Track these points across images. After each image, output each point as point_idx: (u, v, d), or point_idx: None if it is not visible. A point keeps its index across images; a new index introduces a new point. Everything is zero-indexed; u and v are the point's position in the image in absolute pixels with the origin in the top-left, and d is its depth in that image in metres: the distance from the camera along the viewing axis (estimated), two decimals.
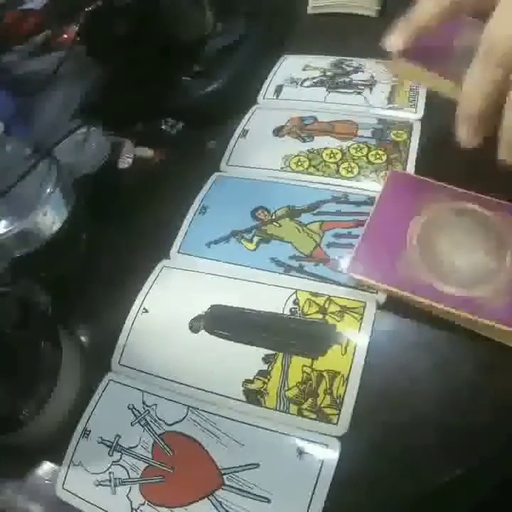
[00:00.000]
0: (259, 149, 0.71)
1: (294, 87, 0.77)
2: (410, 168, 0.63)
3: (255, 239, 0.62)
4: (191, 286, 0.61)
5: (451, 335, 0.52)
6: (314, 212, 0.62)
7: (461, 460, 0.46)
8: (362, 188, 0.63)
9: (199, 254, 0.63)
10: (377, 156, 0.65)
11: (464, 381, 0.49)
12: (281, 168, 0.68)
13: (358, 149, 0.66)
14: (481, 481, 0.48)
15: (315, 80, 0.77)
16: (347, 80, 0.75)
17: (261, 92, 0.78)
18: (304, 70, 0.79)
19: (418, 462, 0.47)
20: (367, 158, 0.65)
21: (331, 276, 0.57)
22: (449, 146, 0.65)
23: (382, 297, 0.55)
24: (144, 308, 0.60)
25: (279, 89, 0.77)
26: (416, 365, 0.51)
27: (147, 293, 0.61)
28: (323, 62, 0.79)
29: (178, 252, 0.64)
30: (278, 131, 0.71)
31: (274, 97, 0.77)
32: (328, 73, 0.77)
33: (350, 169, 0.65)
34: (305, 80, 0.77)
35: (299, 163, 0.67)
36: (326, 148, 0.68)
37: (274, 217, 0.63)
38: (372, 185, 0.63)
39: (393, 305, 0.55)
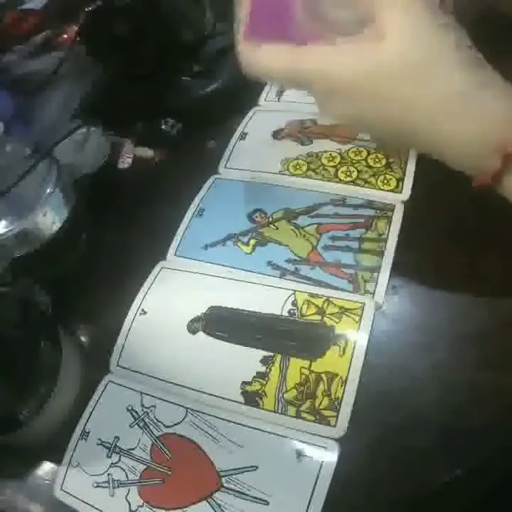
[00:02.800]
0: (258, 152, 0.70)
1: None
2: (410, 171, 0.63)
3: (251, 242, 0.62)
4: (189, 287, 0.61)
5: (450, 335, 0.52)
6: (311, 214, 0.62)
7: (461, 460, 0.46)
8: (360, 192, 0.63)
9: (196, 257, 0.63)
10: (377, 160, 0.65)
11: (464, 381, 0.49)
12: (280, 171, 0.67)
13: (357, 153, 0.66)
14: (481, 481, 0.48)
15: None
16: None
17: (262, 94, 0.77)
18: None
19: (417, 463, 0.47)
20: (366, 161, 0.65)
21: (326, 279, 0.57)
22: None
23: (381, 297, 0.55)
24: (143, 310, 0.60)
25: (280, 91, 0.77)
26: (415, 366, 0.51)
27: (145, 294, 0.61)
28: None
29: (175, 255, 0.64)
30: (277, 134, 0.71)
31: (276, 99, 0.76)
32: None
33: (349, 173, 0.65)
34: None
35: (298, 167, 0.67)
36: (325, 152, 0.67)
37: (271, 219, 0.63)
38: (370, 190, 0.63)
39: (393, 305, 0.55)
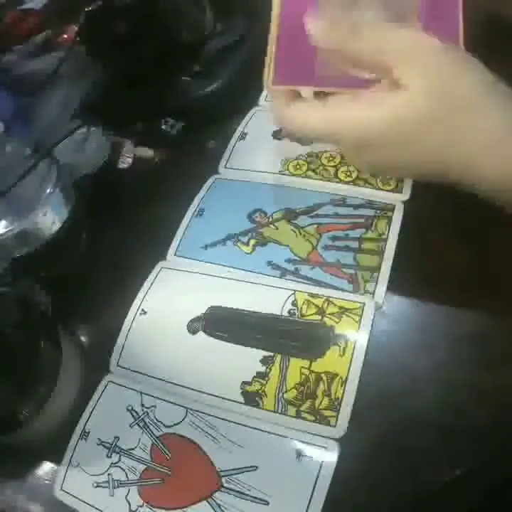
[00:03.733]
0: (258, 152, 0.70)
1: None
2: None
3: (251, 242, 0.62)
4: (189, 287, 0.61)
5: (451, 335, 0.52)
6: (311, 214, 0.62)
7: (461, 460, 0.46)
8: (360, 192, 0.63)
9: (196, 257, 0.63)
10: None
11: (464, 381, 0.49)
12: (280, 171, 0.67)
13: None
14: (480, 481, 0.48)
15: None
16: None
17: (262, 94, 0.77)
18: None
19: (417, 463, 0.47)
20: None
21: (326, 279, 0.57)
22: None
23: (381, 297, 0.55)
24: (142, 310, 0.60)
25: None
26: (415, 366, 0.51)
27: (145, 294, 0.61)
28: None
29: (175, 254, 0.64)
30: (277, 134, 0.71)
31: None
32: None
33: (349, 173, 0.64)
34: None
35: (298, 167, 0.67)
36: (325, 152, 0.67)
37: (271, 219, 0.63)
38: (370, 190, 0.63)
39: (393, 305, 0.55)
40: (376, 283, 0.56)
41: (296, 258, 0.59)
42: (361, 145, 0.48)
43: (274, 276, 0.59)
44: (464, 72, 0.44)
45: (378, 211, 0.60)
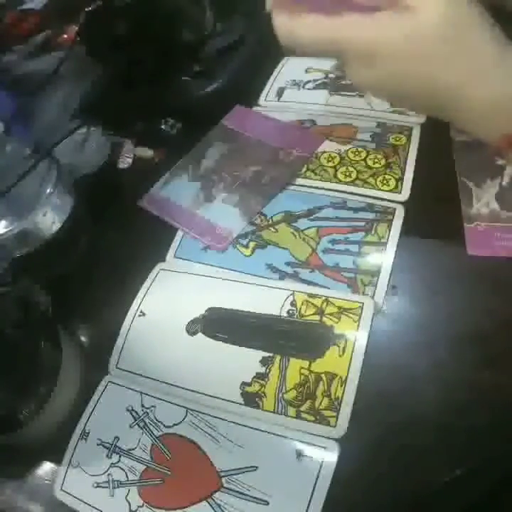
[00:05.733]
0: None
1: (296, 90, 0.76)
2: (409, 172, 0.63)
3: (251, 244, 0.62)
4: (188, 288, 0.61)
5: (450, 335, 0.52)
6: (311, 217, 0.62)
7: (461, 460, 0.46)
8: (360, 193, 0.63)
9: (195, 259, 0.63)
10: (376, 160, 0.65)
11: (464, 381, 0.49)
12: None
13: (357, 153, 0.66)
14: (480, 481, 0.48)
15: (317, 83, 0.76)
16: (349, 82, 0.75)
17: (262, 94, 0.77)
18: (306, 72, 0.78)
19: (417, 463, 0.47)
20: (365, 162, 0.65)
21: (325, 283, 0.57)
22: (448, 151, 0.65)
23: (380, 297, 0.55)
24: (141, 311, 0.60)
25: (280, 92, 0.77)
26: (415, 366, 0.51)
27: (144, 296, 0.61)
28: (326, 64, 0.78)
29: (175, 256, 0.64)
30: None
31: (276, 100, 0.76)
32: (331, 75, 0.76)
33: (348, 174, 0.64)
34: (307, 82, 0.77)
35: None
36: (324, 152, 0.67)
37: (270, 222, 0.63)
38: (369, 190, 0.63)
39: (392, 305, 0.55)
40: (375, 287, 0.56)
41: (295, 261, 0.59)
42: (370, 55, 0.48)
43: (273, 279, 0.59)
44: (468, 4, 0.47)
45: (379, 214, 0.60)
